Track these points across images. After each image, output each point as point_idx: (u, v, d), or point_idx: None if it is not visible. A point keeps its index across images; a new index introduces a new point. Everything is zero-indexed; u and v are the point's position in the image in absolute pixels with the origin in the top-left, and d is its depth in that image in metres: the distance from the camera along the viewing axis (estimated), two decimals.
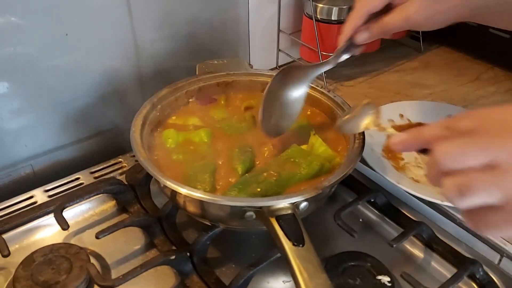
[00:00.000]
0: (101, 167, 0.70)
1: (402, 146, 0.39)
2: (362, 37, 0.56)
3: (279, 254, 0.54)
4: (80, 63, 0.68)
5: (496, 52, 0.94)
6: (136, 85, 0.75)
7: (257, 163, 0.59)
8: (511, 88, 0.89)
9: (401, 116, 0.79)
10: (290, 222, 0.48)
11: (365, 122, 0.51)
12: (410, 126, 0.79)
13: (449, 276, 0.55)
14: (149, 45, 0.74)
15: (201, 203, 0.52)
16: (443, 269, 0.56)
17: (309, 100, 0.68)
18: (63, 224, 0.57)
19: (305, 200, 0.50)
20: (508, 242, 0.58)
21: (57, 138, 0.72)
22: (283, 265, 0.54)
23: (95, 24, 0.67)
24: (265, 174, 0.56)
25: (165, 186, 0.51)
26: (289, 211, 0.49)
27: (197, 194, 0.49)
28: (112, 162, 0.71)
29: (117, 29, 0.69)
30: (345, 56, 0.59)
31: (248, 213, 0.50)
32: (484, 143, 0.32)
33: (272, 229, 0.47)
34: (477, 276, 0.53)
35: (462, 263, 0.54)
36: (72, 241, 0.60)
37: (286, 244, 0.45)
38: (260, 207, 0.49)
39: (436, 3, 0.51)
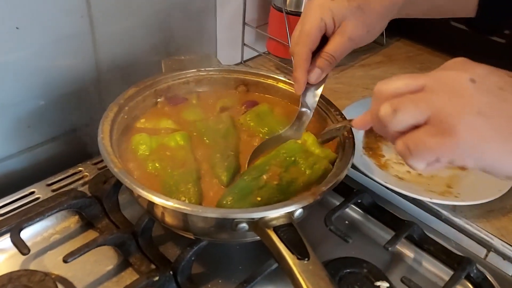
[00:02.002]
0: (59, 178, 0.62)
1: (360, 125, 0.42)
2: (316, 76, 0.55)
3: (273, 267, 0.50)
4: (31, 60, 0.60)
5: (456, 44, 0.95)
6: (95, 84, 0.68)
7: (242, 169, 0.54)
8: None
9: None
10: (289, 233, 0.44)
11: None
12: None
13: (443, 276, 0.54)
14: (108, 39, 0.66)
15: (187, 216, 0.46)
16: (436, 269, 0.55)
17: (286, 97, 0.65)
18: (23, 247, 0.49)
19: (302, 207, 0.46)
20: (494, 236, 0.58)
21: (6, 146, 0.63)
22: (278, 279, 0.51)
23: (49, 15, 0.58)
24: (265, 177, 0.51)
25: (149, 201, 0.45)
26: (287, 221, 0.45)
27: (189, 209, 0.43)
28: (72, 171, 0.63)
29: (73, 22, 0.61)
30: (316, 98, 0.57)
31: (241, 225, 0.46)
32: (413, 75, 0.36)
33: (271, 242, 0.43)
34: (472, 275, 0.53)
35: (457, 263, 0.53)
36: (32, 266, 0.52)
37: (290, 258, 0.41)
38: (254, 218, 0.45)
39: (365, 16, 0.53)
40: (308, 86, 0.56)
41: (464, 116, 0.33)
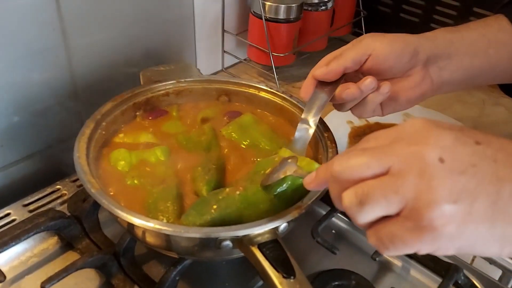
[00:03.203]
0: (36, 197, 0.60)
1: (314, 185, 0.40)
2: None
3: (259, 283, 0.49)
4: (3, 75, 0.57)
5: None
6: (71, 98, 0.65)
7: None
8: None
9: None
10: (275, 250, 0.42)
11: (286, 173, 0.47)
12: (368, 126, 0.78)
13: (431, 284, 0.54)
14: (83, 51, 0.64)
15: (169, 236, 0.45)
16: (424, 277, 0.54)
17: (269, 107, 0.64)
18: None
19: (287, 222, 0.45)
20: None
21: None
22: None
23: (19, 29, 0.56)
24: (227, 189, 0.50)
25: (129, 223, 0.43)
26: (272, 237, 0.44)
27: (171, 229, 0.42)
28: (49, 190, 0.61)
29: (45, 35, 0.59)
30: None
31: (225, 243, 0.44)
32: (375, 153, 0.33)
33: (256, 260, 0.42)
34: (459, 282, 0.52)
35: (444, 270, 0.52)
36: None
37: (276, 277, 0.40)
38: (238, 236, 0.44)
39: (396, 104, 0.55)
40: (313, 100, 0.54)
41: (440, 207, 0.30)
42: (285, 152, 0.55)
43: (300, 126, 0.54)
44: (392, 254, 0.33)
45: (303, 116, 0.54)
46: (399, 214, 0.31)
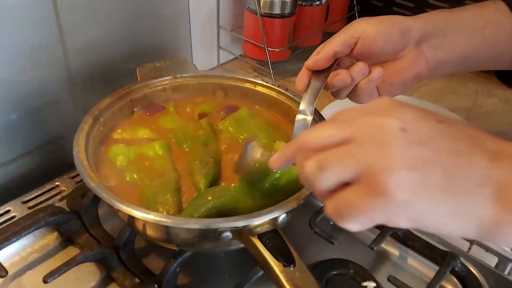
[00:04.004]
0: (35, 194, 0.60)
1: (280, 163, 0.40)
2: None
3: (259, 274, 0.49)
4: (0, 73, 0.57)
5: None
6: (68, 95, 0.66)
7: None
8: (448, 74, 0.92)
9: None
10: (274, 239, 0.43)
11: (253, 158, 0.47)
12: None
13: (428, 271, 0.54)
14: (79, 48, 0.64)
15: (169, 228, 0.46)
16: (422, 266, 0.55)
17: (265, 101, 0.65)
18: (0, 270, 0.47)
19: (286, 212, 0.46)
20: None
21: None
22: (265, 286, 0.50)
23: (16, 27, 0.56)
24: (222, 184, 0.51)
25: (130, 215, 0.44)
26: (271, 227, 0.44)
27: (171, 221, 0.43)
28: (48, 187, 0.61)
29: (42, 32, 0.59)
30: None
31: (225, 234, 0.45)
32: (339, 123, 0.34)
33: (256, 250, 0.43)
34: (456, 269, 0.53)
35: (441, 258, 0.53)
36: None
37: (276, 266, 0.41)
38: (237, 227, 0.44)
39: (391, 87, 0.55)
40: (308, 90, 0.54)
41: (395, 173, 0.30)
42: (280, 145, 0.56)
43: (298, 117, 0.54)
44: (349, 224, 0.33)
45: (300, 107, 0.54)
46: (355, 180, 0.32)
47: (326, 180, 0.32)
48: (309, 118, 0.53)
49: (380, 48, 0.53)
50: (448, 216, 0.31)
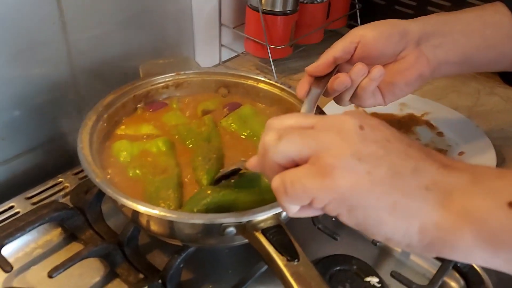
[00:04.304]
0: (39, 190, 0.60)
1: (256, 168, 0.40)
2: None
3: (263, 269, 0.50)
4: (3, 69, 0.57)
5: None
6: (72, 91, 0.66)
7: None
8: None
9: (356, 107, 0.78)
10: (278, 234, 0.43)
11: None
12: None
13: (431, 267, 0.54)
14: (83, 45, 0.64)
15: (173, 223, 0.46)
16: (424, 261, 0.55)
17: (267, 98, 0.65)
18: (5, 265, 0.47)
19: None
20: None
21: None
22: (269, 281, 0.51)
23: (20, 23, 0.56)
24: (223, 181, 0.51)
25: (134, 210, 0.44)
26: (275, 222, 0.44)
27: (175, 216, 0.43)
28: (51, 183, 0.62)
29: (45, 29, 0.59)
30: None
31: (229, 230, 0.45)
32: (309, 115, 0.38)
33: (260, 245, 0.43)
34: (458, 265, 0.53)
35: None
36: (15, 283, 0.51)
37: (280, 260, 0.41)
38: (241, 222, 0.44)
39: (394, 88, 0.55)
40: (309, 96, 0.54)
41: (344, 160, 0.31)
42: None
43: None
44: (289, 201, 0.33)
45: (301, 111, 0.54)
46: (307, 161, 0.33)
47: (281, 151, 0.34)
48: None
49: (380, 50, 0.53)
50: (389, 213, 0.31)
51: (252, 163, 0.40)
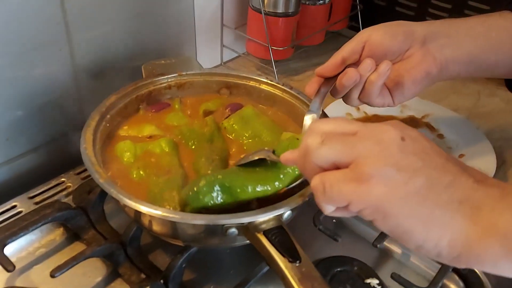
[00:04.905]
0: (41, 190, 0.61)
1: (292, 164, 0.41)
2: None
3: (264, 270, 0.50)
4: (7, 70, 0.58)
5: None
6: (74, 92, 0.66)
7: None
8: None
9: (358, 109, 0.79)
10: (280, 236, 0.44)
11: (258, 154, 0.49)
12: (367, 118, 0.79)
13: (431, 269, 0.55)
14: (86, 45, 0.65)
15: (176, 224, 0.46)
16: (424, 263, 0.56)
17: (269, 99, 0.65)
18: (7, 264, 0.48)
19: (291, 209, 0.46)
20: None
21: None
22: (270, 282, 0.51)
23: (23, 23, 0.57)
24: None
25: (137, 211, 0.44)
26: (277, 224, 0.45)
27: (179, 217, 0.43)
28: (54, 182, 0.62)
29: (49, 29, 0.59)
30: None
31: (231, 230, 0.45)
32: (350, 121, 0.37)
33: (262, 246, 0.43)
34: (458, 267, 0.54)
35: None
36: (18, 283, 0.51)
37: (282, 262, 0.41)
38: (243, 223, 0.45)
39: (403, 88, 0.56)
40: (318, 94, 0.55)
41: (383, 169, 0.32)
42: (287, 136, 0.56)
43: (307, 116, 0.54)
44: (326, 201, 0.35)
45: (310, 108, 0.54)
46: (347, 166, 0.34)
47: (323, 155, 0.35)
48: (317, 115, 0.54)
49: (386, 48, 0.54)
50: (422, 223, 0.33)
51: (287, 158, 0.41)
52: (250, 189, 0.47)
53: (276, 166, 0.49)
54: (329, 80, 0.55)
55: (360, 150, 0.34)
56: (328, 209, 0.35)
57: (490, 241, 0.32)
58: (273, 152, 0.49)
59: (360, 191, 0.33)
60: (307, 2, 0.89)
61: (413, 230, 0.33)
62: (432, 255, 0.34)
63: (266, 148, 0.51)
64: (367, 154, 0.33)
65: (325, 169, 0.35)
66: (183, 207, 0.48)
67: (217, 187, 0.46)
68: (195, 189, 0.46)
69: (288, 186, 0.48)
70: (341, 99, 0.58)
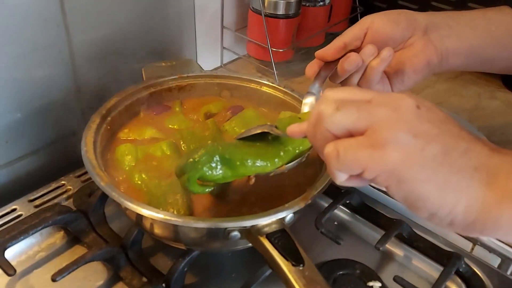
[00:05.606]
0: (41, 193, 0.60)
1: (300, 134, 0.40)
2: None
3: (267, 273, 0.50)
4: (7, 72, 0.57)
5: None
6: (74, 94, 0.66)
7: None
8: (450, 76, 0.92)
9: None
10: (283, 239, 0.43)
11: (262, 128, 0.48)
12: None
13: (433, 272, 0.55)
14: (86, 47, 0.64)
15: (178, 227, 0.46)
16: (426, 266, 0.56)
17: (270, 102, 0.65)
18: (8, 268, 0.47)
19: (293, 212, 0.46)
20: None
21: None
22: (273, 285, 0.51)
23: (23, 25, 0.56)
24: None
25: (138, 214, 0.44)
26: (279, 227, 0.45)
27: (181, 220, 0.43)
28: (54, 185, 0.61)
29: (49, 31, 0.59)
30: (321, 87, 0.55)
31: (233, 234, 0.45)
32: (366, 89, 0.37)
33: (265, 249, 0.43)
34: (461, 270, 0.54)
35: (446, 258, 0.54)
36: (18, 287, 0.50)
37: (285, 265, 0.41)
38: (246, 226, 0.45)
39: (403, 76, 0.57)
40: (318, 77, 0.55)
41: (399, 134, 0.32)
42: (284, 115, 0.56)
43: (306, 96, 0.55)
44: (340, 167, 0.34)
45: (309, 89, 0.55)
46: (363, 133, 0.33)
47: (338, 121, 0.34)
48: (317, 97, 0.54)
49: (388, 34, 0.54)
50: (437, 189, 0.32)
51: (294, 130, 0.40)
52: (249, 163, 0.46)
53: (277, 142, 0.48)
54: (329, 64, 0.55)
55: (376, 117, 0.33)
56: (341, 177, 0.35)
57: (507, 206, 0.32)
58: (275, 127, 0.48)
59: (376, 156, 0.32)
60: (307, 4, 0.89)
61: (428, 196, 0.32)
62: (445, 223, 0.33)
63: (268, 123, 0.50)
64: (383, 120, 0.33)
65: (338, 137, 0.35)
66: (180, 175, 0.46)
67: (216, 158, 0.45)
68: (195, 157, 0.45)
69: (287, 163, 0.48)
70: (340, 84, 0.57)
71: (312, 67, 0.56)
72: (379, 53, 0.53)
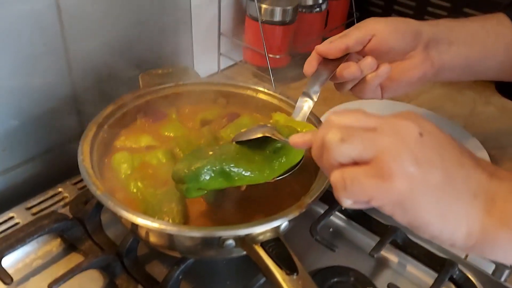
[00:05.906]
0: (38, 200, 0.60)
1: (301, 143, 0.41)
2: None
3: (261, 281, 0.50)
4: (4, 80, 0.58)
5: None
6: (71, 102, 0.66)
7: None
8: (446, 82, 0.93)
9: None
10: (277, 248, 0.44)
11: (263, 132, 0.48)
12: None
13: (427, 278, 0.55)
14: (83, 55, 0.65)
15: (173, 236, 0.46)
16: (421, 273, 0.56)
17: (266, 108, 0.65)
18: (5, 277, 0.48)
19: (288, 221, 0.47)
20: None
21: None
22: None
23: (21, 34, 0.57)
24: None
25: (134, 223, 0.44)
26: (273, 235, 0.45)
27: (175, 229, 0.43)
28: (51, 193, 0.62)
29: (46, 39, 0.59)
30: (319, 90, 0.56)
31: (228, 242, 0.45)
32: (367, 114, 0.37)
33: (259, 258, 0.43)
34: (454, 276, 0.54)
35: (440, 265, 0.54)
36: None
37: (279, 274, 0.41)
38: (240, 235, 0.45)
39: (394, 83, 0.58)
40: (315, 75, 0.55)
41: (404, 165, 0.33)
42: (279, 116, 0.56)
43: (301, 98, 0.55)
44: (347, 196, 0.35)
45: (304, 90, 0.55)
46: (368, 163, 0.34)
47: (344, 152, 0.35)
48: (312, 102, 0.55)
49: (392, 45, 0.55)
50: (439, 216, 0.34)
51: (297, 142, 0.41)
52: (245, 174, 0.47)
53: (272, 150, 0.48)
54: (327, 63, 0.55)
55: (381, 147, 0.34)
56: (347, 203, 0.36)
57: (504, 230, 0.34)
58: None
59: (383, 187, 0.33)
60: (304, 10, 0.89)
61: (431, 222, 0.34)
62: (446, 245, 0.36)
63: (268, 125, 0.50)
64: (388, 151, 0.34)
65: (343, 165, 0.35)
66: (178, 182, 0.46)
67: (217, 171, 0.46)
68: (197, 167, 0.45)
69: (278, 177, 0.49)
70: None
71: (311, 64, 0.56)
72: (377, 67, 0.53)
